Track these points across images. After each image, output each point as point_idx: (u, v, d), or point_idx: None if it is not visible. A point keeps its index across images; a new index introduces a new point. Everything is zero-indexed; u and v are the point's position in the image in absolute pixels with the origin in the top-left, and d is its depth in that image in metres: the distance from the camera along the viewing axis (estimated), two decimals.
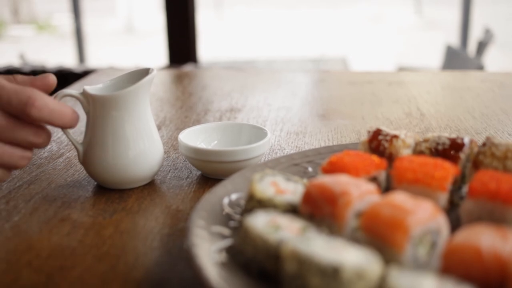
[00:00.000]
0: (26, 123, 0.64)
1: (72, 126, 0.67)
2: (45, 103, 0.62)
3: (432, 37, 8.38)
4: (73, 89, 0.71)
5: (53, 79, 0.67)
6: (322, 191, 0.52)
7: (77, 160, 0.86)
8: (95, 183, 0.77)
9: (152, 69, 0.73)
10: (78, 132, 1.00)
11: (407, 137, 0.67)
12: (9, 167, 0.66)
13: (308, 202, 0.53)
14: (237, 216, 0.59)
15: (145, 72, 0.73)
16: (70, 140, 0.73)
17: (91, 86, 0.73)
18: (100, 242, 0.62)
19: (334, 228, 0.51)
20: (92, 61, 6.10)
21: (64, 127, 0.67)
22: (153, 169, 0.75)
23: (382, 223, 0.47)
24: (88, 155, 0.73)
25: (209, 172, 0.79)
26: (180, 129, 1.04)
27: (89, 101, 0.71)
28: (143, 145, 0.73)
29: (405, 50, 7.78)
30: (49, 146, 0.93)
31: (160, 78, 1.57)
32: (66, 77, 1.93)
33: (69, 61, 6.02)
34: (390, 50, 7.89)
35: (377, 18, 10.64)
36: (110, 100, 0.70)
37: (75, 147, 0.74)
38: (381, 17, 10.72)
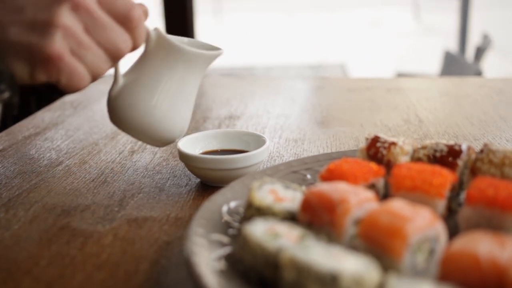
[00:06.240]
0: (119, 27, 0.62)
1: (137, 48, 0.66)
2: (142, 17, 0.64)
3: (430, 42, 8.40)
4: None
5: (147, 8, 0.66)
6: (321, 199, 0.53)
7: (76, 168, 0.87)
8: (95, 191, 0.78)
9: (221, 48, 0.73)
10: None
11: (405, 144, 0.68)
12: (92, 70, 0.61)
13: (307, 210, 0.54)
14: (236, 224, 0.59)
15: (212, 47, 0.73)
16: (116, 68, 0.68)
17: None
18: (99, 250, 0.62)
19: (332, 236, 0.51)
20: None
21: (137, 47, 0.65)
22: (171, 136, 0.73)
23: (381, 231, 0.48)
24: (125, 90, 0.69)
25: (208, 180, 0.79)
26: None
27: (158, 42, 0.68)
28: (177, 109, 0.71)
29: (403, 56, 7.80)
30: (48, 154, 0.94)
31: None
32: None
33: None
34: (388, 55, 7.91)
35: (375, 23, 10.67)
36: (181, 52, 0.69)
37: (116, 77, 0.69)
38: (379, 22, 10.75)
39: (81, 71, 0.60)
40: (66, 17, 0.57)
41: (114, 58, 0.62)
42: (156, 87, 0.70)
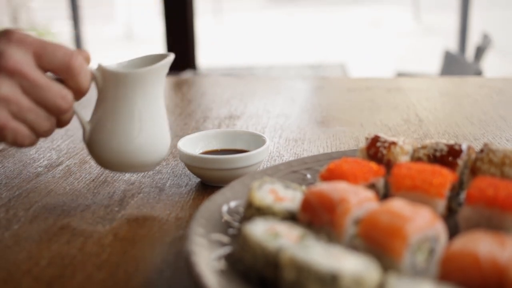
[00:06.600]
0: (57, 85, 0.63)
1: (86, 92, 0.68)
2: (84, 62, 0.65)
3: (430, 42, 8.40)
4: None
5: (88, 54, 0.68)
6: (321, 199, 0.53)
7: (77, 168, 0.87)
8: (95, 191, 0.78)
9: (170, 54, 0.72)
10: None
11: (405, 143, 0.68)
12: (35, 129, 0.64)
13: (307, 210, 0.54)
14: (236, 224, 0.59)
15: (161, 57, 0.72)
16: (78, 117, 0.70)
17: (106, 64, 0.71)
18: (99, 250, 0.62)
19: (332, 236, 0.51)
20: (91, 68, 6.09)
21: (85, 92, 0.67)
22: (159, 156, 0.73)
23: (381, 231, 0.48)
24: (94, 134, 0.70)
25: (208, 180, 0.79)
26: (179, 136, 1.04)
27: (104, 78, 0.69)
28: (152, 130, 0.71)
29: (403, 56, 7.80)
30: (48, 154, 0.94)
31: None
32: None
33: None
34: (388, 55, 7.90)
35: (375, 23, 10.67)
36: (127, 78, 0.68)
37: (82, 125, 0.71)
38: (379, 22, 10.75)
39: (25, 132, 0.63)
40: (3, 87, 0.60)
41: (56, 114, 0.65)
42: (122, 119, 0.69)
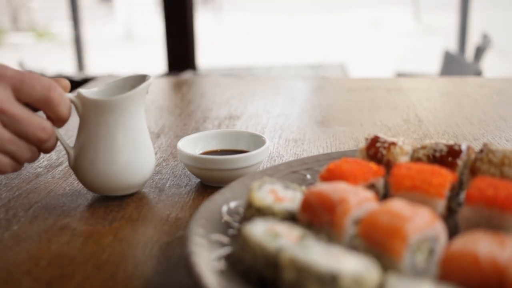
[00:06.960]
0: (36, 118, 0.65)
1: (67, 121, 0.69)
2: (62, 92, 0.67)
3: (430, 42, 8.40)
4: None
5: (67, 82, 0.70)
6: (321, 199, 0.53)
7: None
8: None
9: (149, 76, 0.72)
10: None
11: (404, 144, 0.68)
12: (17, 158, 0.66)
13: (307, 210, 0.54)
14: (236, 224, 0.59)
15: (141, 78, 0.73)
16: (62, 144, 0.71)
17: (86, 89, 0.72)
18: (99, 251, 0.62)
19: (332, 236, 0.51)
20: (91, 69, 6.11)
21: (65, 121, 0.69)
22: (143, 177, 0.74)
23: (380, 231, 0.48)
24: (79, 159, 0.72)
25: (208, 180, 0.79)
26: (179, 136, 1.04)
27: (84, 105, 0.70)
28: (135, 153, 0.72)
29: (403, 56, 7.80)
30: (48, 155, 0.94)
31: (159, 86, 1.57)
32: None
33: (69, 68, 6.03)
34: (388, 55, 7.90)
35: (375, 23, 10.67)
36: (106, 104, 0.69)
37: (67, 151, 0.72)
38: (379, 22, 10.75)
39: (7, 161, 0.66)
40: None
41: (36, 145, 0.67)
42: (104, 143, 0.70)
